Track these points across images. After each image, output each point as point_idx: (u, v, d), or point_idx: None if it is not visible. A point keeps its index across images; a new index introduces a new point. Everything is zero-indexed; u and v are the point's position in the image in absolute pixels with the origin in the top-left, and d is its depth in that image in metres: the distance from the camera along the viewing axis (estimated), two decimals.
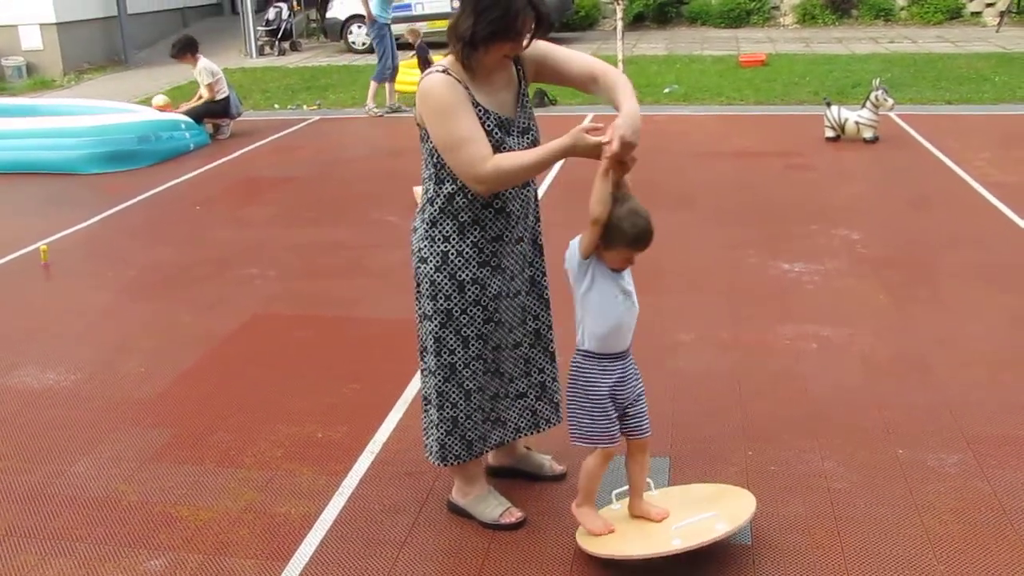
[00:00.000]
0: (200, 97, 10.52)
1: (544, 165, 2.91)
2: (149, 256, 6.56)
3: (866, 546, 3.07)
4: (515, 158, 2.90)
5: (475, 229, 3.02)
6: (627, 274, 2.96)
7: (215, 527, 3.31)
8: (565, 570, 3.00)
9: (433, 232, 3.04)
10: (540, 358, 3.34)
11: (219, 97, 10.49)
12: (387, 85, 11.28)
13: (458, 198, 2.98)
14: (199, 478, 3.64)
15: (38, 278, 6.23)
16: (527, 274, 3.23)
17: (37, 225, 7.28)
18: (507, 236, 3.08)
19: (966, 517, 3.21)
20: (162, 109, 10.59)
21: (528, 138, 3.05)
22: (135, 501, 3.50)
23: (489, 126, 2.93)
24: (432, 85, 2.92)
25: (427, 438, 3.27)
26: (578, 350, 2.98)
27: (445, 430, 3.16)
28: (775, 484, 3.44)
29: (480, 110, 2.92)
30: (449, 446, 3.17)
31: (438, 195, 3.02)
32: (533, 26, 2.92)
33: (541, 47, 3.11)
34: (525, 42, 2.96)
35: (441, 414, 3.15)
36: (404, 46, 12.00)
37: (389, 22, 11.41)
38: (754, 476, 3.49)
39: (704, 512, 3.07)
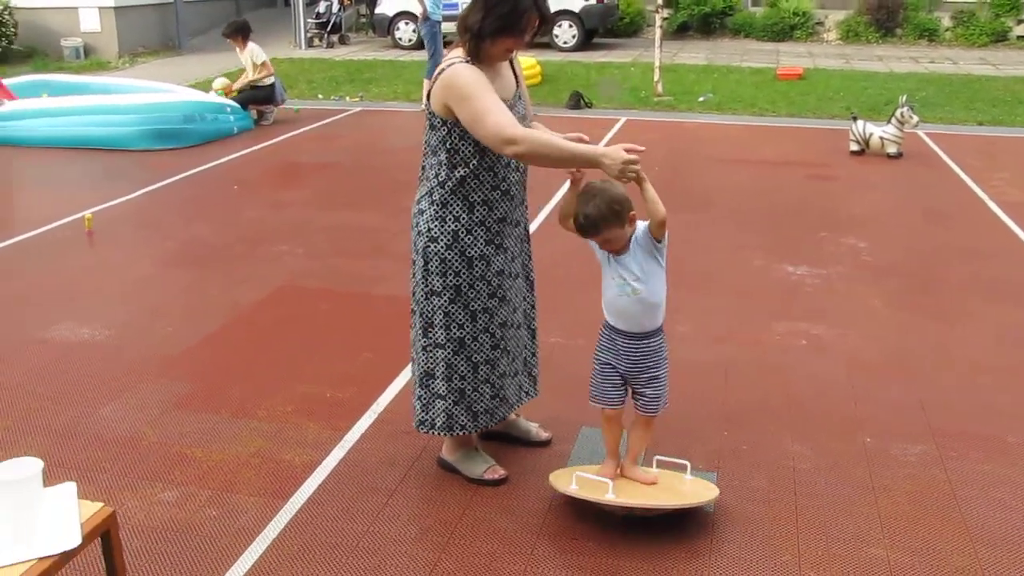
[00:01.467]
0: (248, 77, 10.86)
1: (574, 159, 3.12)
2: (187, 230, 6.92)
3: (820, 520, 3.31)
4: (554, 138, 3.15)
5: (483, 209, 3.28)
6: (632, 264, 3.12)
7: (225, 468, 3.62)
8: (538, 521, 3.27)
9: (444, 213, 3.29)
10: (524, 335, 3.60)
11: (266, 82, 10.87)
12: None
13: (469, 180, 3.24)
14: (215, 426, 3.95)
15: (82, 244, 6.61)
16: (522, 259, 3.50)
17: (85, 196, 7.68)
18: (509, 218, 3.35)
19: (918, 500, 3.43)
20: (222, 91, 10.83)
21: (525, 120, 3.33)
22: (155, 442, 3.83)
23: None
24: (457, 71, 3.18)
25: (426, 412, 3.44)
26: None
27: (452, 400, 3.39)
28: (744, 461, 3.68)
29: None
30: (456, 416, 3.40)
31: (450, 178, 3.27)
32: (536, 24, 3.21)
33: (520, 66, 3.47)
34: (527, 38, 3.24)
35: (449, 385, 3.38)
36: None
37: (440, 20, 11.73)
38: (725, 453, 3.74)
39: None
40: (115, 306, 5.41)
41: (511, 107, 3.25)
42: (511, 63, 3.40)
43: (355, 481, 3.53)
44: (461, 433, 3.45)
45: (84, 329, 5.01)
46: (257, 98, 10.88)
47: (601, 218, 3.04)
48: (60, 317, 5.18)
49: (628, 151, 3.01)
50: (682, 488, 3.35)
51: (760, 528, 3.26)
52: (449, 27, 12.38)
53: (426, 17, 11.64)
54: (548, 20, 3.26)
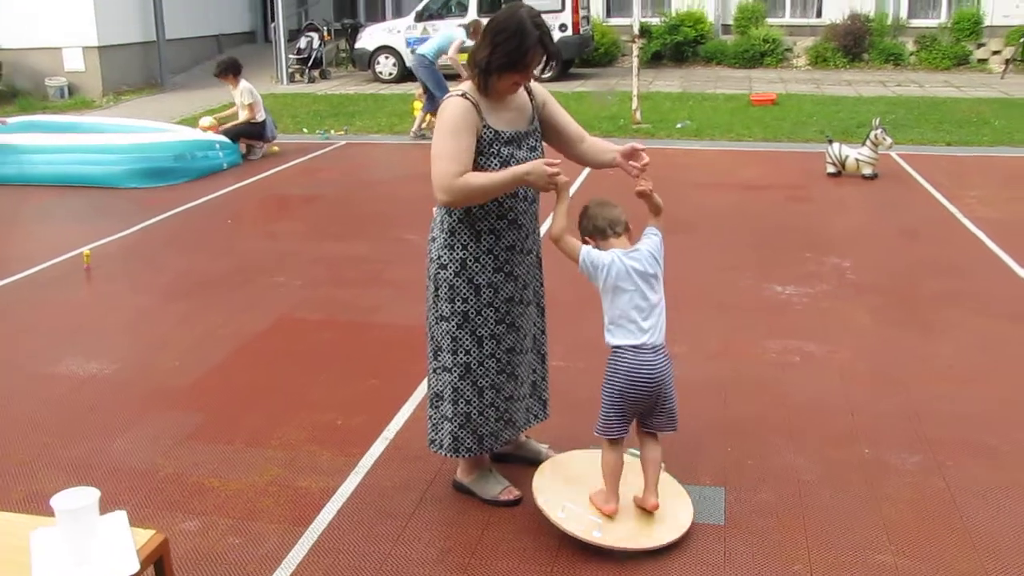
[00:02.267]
0: (240, 119, 10.93)
1: (506, 185, 3.21)
2: (184, 263, 6.94)
3: (827, 530, 3.37)
4: (482, 177, 3.21)
5: (490, 238, 3.33)
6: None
7: (243, 497, 3.64)
8: (556, 543, 3.30)
9: (452, 240, 3.35)
10: (534, 360, 3.65)
11: (258, 119, 10.94)
12: (429, 116, 11.79)
13: (475, 210, 3.30)
14: (229, 456, 3.97)
15: (81, 280, 6.61)
16: (534, 286, 3.55)
17: (81, 232, 7.68)
18: (519, 246, 3.40)
19: (920, 508, 3.50)
20: (208, 129, 10.92)
21: (535, 155, 3.39)
22: (171, 473, 3.84)
23: (496, 146, 3.26)
24: (449, 105, 3.27)
25: (436, 432, 3.53)
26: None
27: (459, 423, 3.44)
28: (749, 475, 3.74)
29: (489, 131, 3.26)
30: (462, 439, 3.46)
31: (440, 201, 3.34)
32: (542, 61, 3.29)
33: (549, 96, 3.52)
34: (533, 74, 3.32)
35: (455, 409, 3.44)
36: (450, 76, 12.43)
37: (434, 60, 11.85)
38: (731, 468, 3.79)
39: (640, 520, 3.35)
40: (120, 340, 5.42)
41: (524, 137, 3.32)
42: (529, 96, 3.45)
43: (372, 506, 3.55)
44: (467, 455, 3.50)
45: (91, 363, 5.01)
46: (249, 133, 10.94)
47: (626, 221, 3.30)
48: (66, 352, 5.18)
49: (548, 164, 3.15)
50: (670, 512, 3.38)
51: (770, 539, 3.31)
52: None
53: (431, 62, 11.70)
54: (553, 55, 3.32)
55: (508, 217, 3.34)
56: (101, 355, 5.14)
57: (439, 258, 3.38)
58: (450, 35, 11.88)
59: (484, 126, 3.26)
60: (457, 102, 3.25)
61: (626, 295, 3.21)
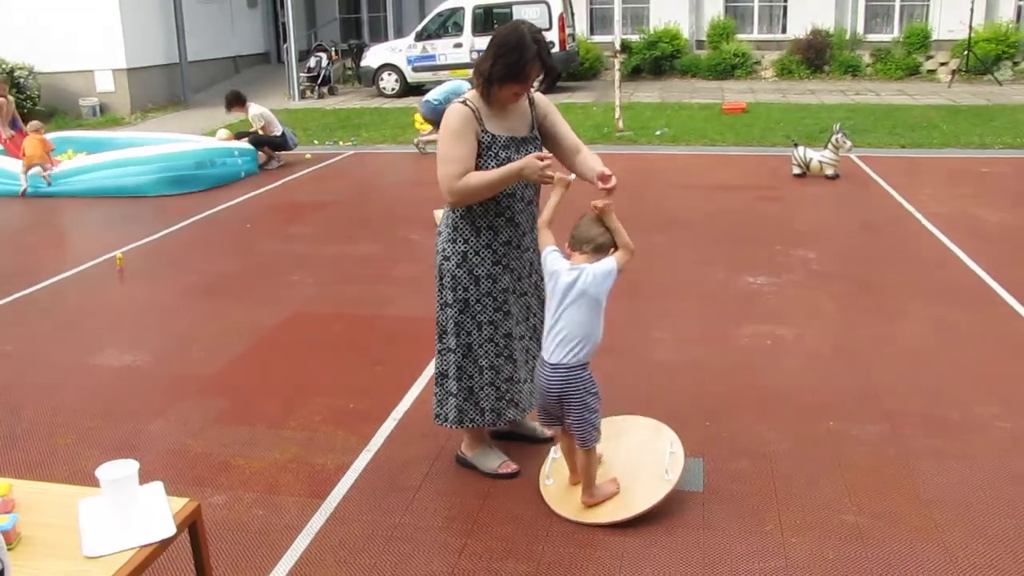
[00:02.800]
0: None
1: (504, 180, 3.23)
2: (207, 265, 6.95)
3: (796, 494, 3.40)
4: (480, 175, 3.25)
5: (489, 233, 3.36)
6: None
7: (265, 473, 3.66)
8: (550, 509, 3.33)
9: (455, 235, 3.39)
10: (532, 346, 3.67)
11: (276, 133, 11.00)
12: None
13: (476, 208, 3.33)
14: (252, 437, 3.99)
15: (115, 281, 6.62)
16: (533, 279, 3.58)
17: (113, 238, 7.69)
18: (515, 243, 3.42)
19: (879, 473, 3.54)
20: (226, 140, 10.95)
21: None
22: (200, 452, 3.86)
23: (495, 149, 3.29)
24: (451, 111, 3.30)
25: (441, 407, 3.55)
26: (583, 365, 3.13)
27: (463, 397, 3.48)
28: (726, 447, 3.77)
29: (487, 135, 3.28)
30: (466, 411, 3.49)
31: (448, 202, 3.37)
32: (541, 74, 3.31)
33: (552, 107, 3.52)
34: (532, 85, 3.34)
35: (459, 384, 3.47)
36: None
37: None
38: (709, 442, 3.82)
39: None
40: (152, 333, 5.43)
41: (522, 143, 3.34)
42: (531, 105, 3.46)
43: (383, 480, 3.58)
44: (471, 426, 3.53)
45: (127, 355, 5.03)
46: (272, 143, 11.00)
47: (608, 245, 3.12)
48: (104, 344, 5.20)
49: (539, 158, 3.18)
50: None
51: (745, 503, 3.35)
52: (425, 76, 12.49)
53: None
54: (550, 69, 3.34)
55: (505, 215, 3.37)
56: (135, 347, 5.15)
57: (443, 251, 3.42)
58: (459, 86, 11.78)
59: (483, 131, 3.28)
60: (459, 109, 3.28)
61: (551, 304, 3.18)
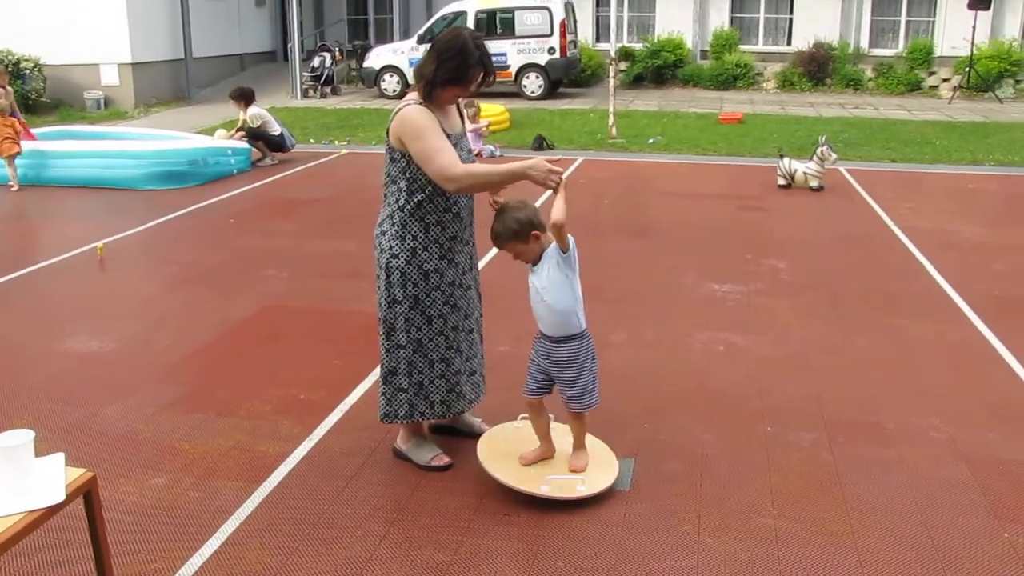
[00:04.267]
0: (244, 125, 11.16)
1: (508, 178, 3.33)
2: (187, 257, 7.06)
3: (720, 496, 3.46)
4: (486, 167, 3.36)
5: (437, 229, 3.45)
6: (539, 270, 3.33)
7: (208, 458, 3.75)
8: (476, 502, 3.41)
9: (403, 232, 3.46)
10: (477, 342, 3.77)
11: (273, 133, 11.15)
12: None
13: (425, 204, 3.42)
14: (201, 423, 4.08)
15: (94, 270, 6.74)
16: (473, 273, 3.67)
17: (98, 228, 7.81)
18: (460, 237, 3.52)
19: (806, 478, 3.60)
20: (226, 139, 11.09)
21: (470, 156, 3.55)
22: (148, 437, 3.95)
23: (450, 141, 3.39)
24: (410, 112, 3.37)
25: (391, 405, 3.59)
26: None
27: (413, 392, 3.54)
28: (660, 448, 3.84)
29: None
30: (416, 405, 3.56)
31: (408, 203, 3.44)
32: (480, 78, 3.40)
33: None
34: (472, 88, 3.43)
35: (410, 379, 3.53)
36: None
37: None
38: (644, 443, 3.89)
39: (577, 473, 3.48)
40: (121, 322, 5.53)
41: (456, 142, 3.43)
42: (457, 106, 3.59)
43: (320, 469, 3.66)
44: (421, 420, 3.60)
45: (94, 342, 5.13)
46: (270, 142, 11.13)
47: (503, 234, 3.28)
48: (73, 331, 5.30)
49: (548, 160, 3.25)
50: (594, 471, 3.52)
51: (667, 503, 3.41)
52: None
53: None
54: (490, 73, 3.44)
55: (453, 211, 3.45)
56: (103, 335, 5.25)
57: (390, 248, 3.48)
58: None
59: (440, 128, 3.38)
60: (415, 108, 3.37)
61: None
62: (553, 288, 3.28)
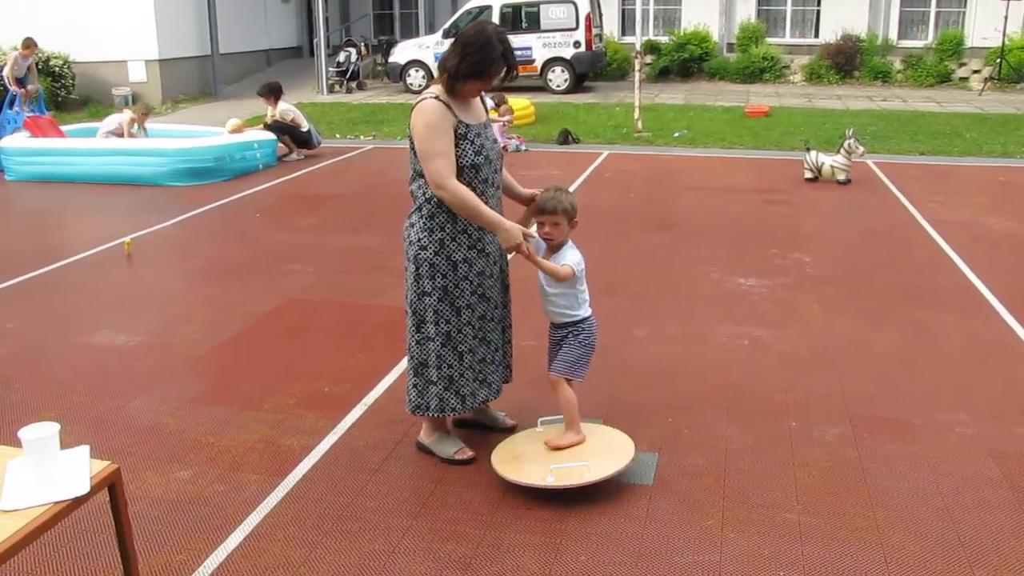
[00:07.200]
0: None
1: (486, 223, 3.37)
2: (213, 251, 7.12)
3: (744, 491, 3.44)
4: (475, 199, 3.34)
5: (464, 219, 3.45)
6: (555, 259, 3.52)
7: (233, 452, 3.79)
8: (499, 496, 3.41)
9: (431, 224, 3.46)
10: (506, 330, 3.78)
11: (303, 129, 11.22)
12: None
13: None
14: (226, 417, 4.12)
15: (122, 265, 6.82)
16: (500, 264, 3.67)
17: (125, 224, 7.90)
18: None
19: (831, 474, 3.57)
20: (237, 130, 11.09)
21: (496, 145, 3.56)
22: (175, 430, 4.00)
23: (470, 136, 3.39)
24: (426, 107, 3.38)
25: (422, 397, 3.59)
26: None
27: (444, 386, 3.55)
28: (683, 443, 3.83)
29: (462, 125, 3.38)
30: (447, 400, 3.56)
31: (435, 195, 3.44)
32: (503, 73, 3.41)
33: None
34: (495, 83, 3.43)
35: (439, 373, 3.54)
36: None
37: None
38: (668, 437, 3.88)
39: (582, 460, 3.46)
40: (148, 316, 5.59)
41: (480, 131, 3.43)
42: (480, 99, 3.60)
43: (344, 462, 3.68)
44: (452, 414, 3.61)
45: (120, 336, 5.19)
46: (297, 138, 11.20)
47: (562, 205, 3.46)
48: (101, 325, 5.37)
49: (525, 234, 3.36)
50: (582, 456, 3.51)
51: (691, 498, 3.40)
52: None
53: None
54: (512, 68, 3.45)
55: (480, 200, 3.46)
56: (130, 329, 5.31)
57: (419, 240, 3.48)
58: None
59: (459, 122, 3.38)
60: (433, 104, 3.37)
61: None
62: (556, 286, 3.52)
